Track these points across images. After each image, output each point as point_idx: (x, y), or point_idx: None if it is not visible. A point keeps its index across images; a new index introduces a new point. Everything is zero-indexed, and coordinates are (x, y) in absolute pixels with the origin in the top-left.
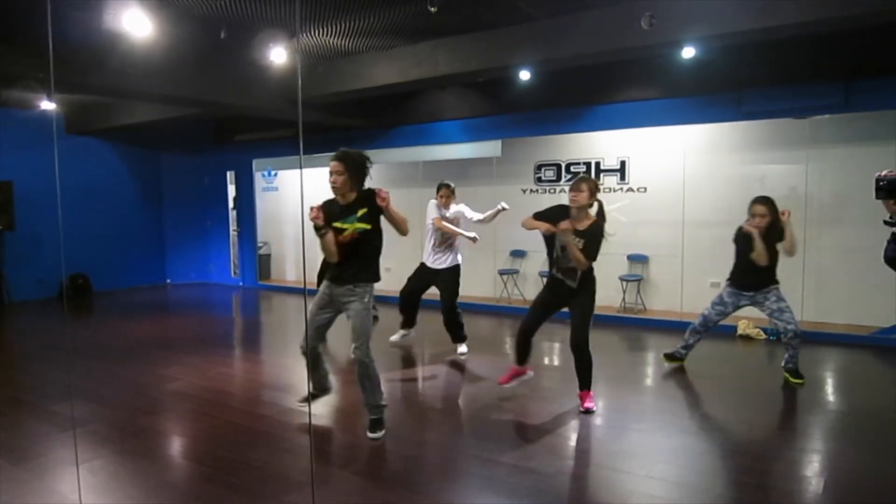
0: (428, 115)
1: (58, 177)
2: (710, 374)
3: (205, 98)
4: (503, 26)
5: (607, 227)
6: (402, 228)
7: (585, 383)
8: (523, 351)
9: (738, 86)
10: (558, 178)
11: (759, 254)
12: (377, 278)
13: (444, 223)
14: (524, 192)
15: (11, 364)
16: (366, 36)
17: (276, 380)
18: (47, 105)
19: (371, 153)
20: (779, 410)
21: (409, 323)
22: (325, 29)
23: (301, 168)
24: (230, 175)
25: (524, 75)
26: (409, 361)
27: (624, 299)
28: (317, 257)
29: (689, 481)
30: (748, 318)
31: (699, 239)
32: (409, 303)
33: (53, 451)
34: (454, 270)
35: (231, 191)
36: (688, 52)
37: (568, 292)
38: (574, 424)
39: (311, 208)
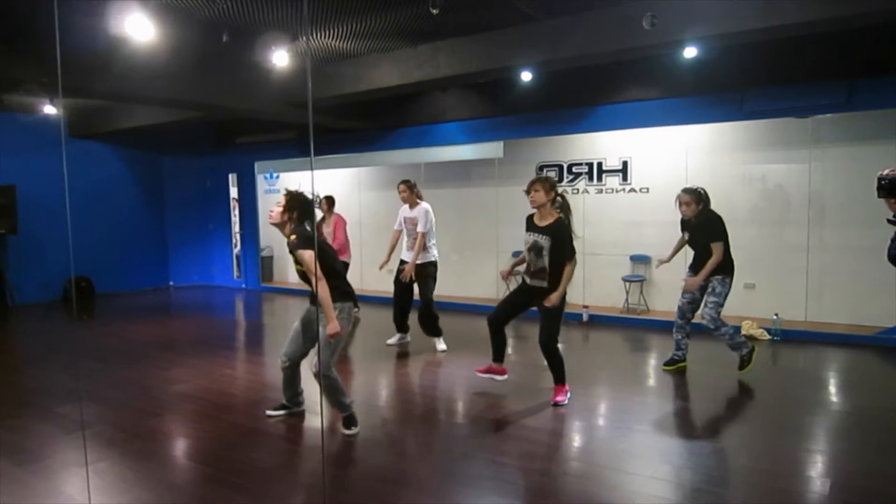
0: (429, 116)
1: (66, 180)
2: (712, 374)
3: (207, 101)
4: (504, 28)
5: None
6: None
7: (559, 378)
8: (497, 345)
9: (740, 85)
10: (560, 179)
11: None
12: (342, 297)
13: (422, 240)
14: (527, 193)
15: (16, 367)
16: (367, 38)
17: (279, 382)
18: (50, 109)
19: (373, 155)
20: (783, 411)
21: (402, 328)
22: (327, 31)
23: (312, 169)
24: (232, 177)
25: (525, 76)
26: (402, 361)
27: (627, 300)
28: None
29: (693, 482)
30: (752, 319)
31: None
32: (399, 307)
33: (59, 452)
34: (424, 266)
35: (233, 193)
36: (689, 52)
37: (536, 294)
38: (578, 425)
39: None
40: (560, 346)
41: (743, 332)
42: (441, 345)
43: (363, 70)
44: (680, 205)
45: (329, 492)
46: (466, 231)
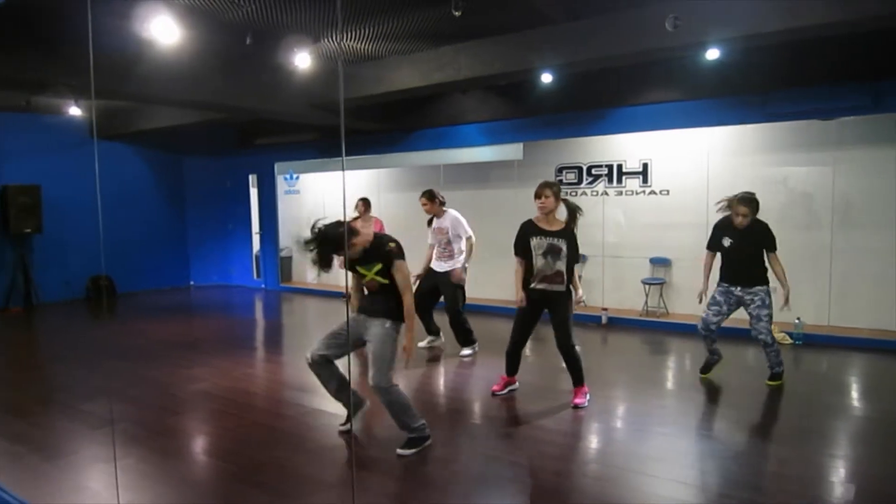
0: (449, 118)
1: (98, 181)
2: (734, 378)
3: (230, 103)
4: (525, 29)
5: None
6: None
7: (578, 380)
8: (513, 363)
9: (762, 87)
10: (579, 181)
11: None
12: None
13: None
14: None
15: (41, 364)
16: (389, 40)
17: (298, 381)
18: (75, 110)
19: (392, 157)
20: (805, 415)
21: (431, 330)
22: (349, 33)
23: (343, 170)
24: (252, 178)
25: (546, 78)
26: (427, 364)
27: (646, 302)
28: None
29: (714, 486)
30: (773, 323)
31: None
32: (420, 310)
33: (85, 448)
34: (454, 274)
35: (253, 194)
36: (712, 54)
37: (552, 297)
38: (596, 427)
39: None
40: (577, 347)
41: None
42: (466, 350)
43: (384, 72)
44: (736, 215)
45: (350, 492)
46: (485, 233)
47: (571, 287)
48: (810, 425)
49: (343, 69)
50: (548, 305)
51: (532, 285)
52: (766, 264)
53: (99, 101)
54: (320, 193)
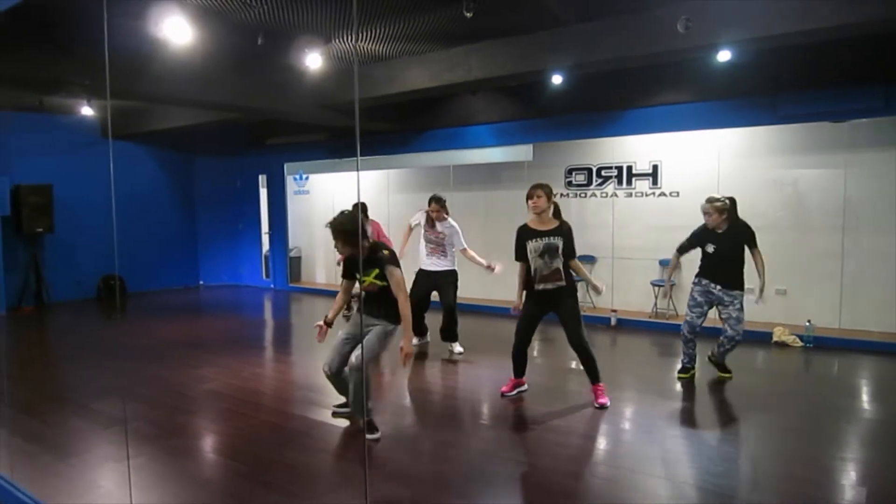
0: (459, 119)
1: (112, 181)
2: (744, 381)
3: (241, 103)
4: (537, 31)
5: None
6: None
7: (594, 377)
8: (520, 364)
9: (774, 89)
10: (589, 183)
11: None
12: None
13: (470, 252)
14: (555, 195)
15: (53, 363)
16: (399, 41)
17: (307, 381)
18: (87, 110)
19: (402, 157)
20: (815, 418)
21: (421, 331)
22: (360, 34)
23: (358, 170)
24: (262, 178)
25: (556, 79)
26: (423, 363)
27: (655, 304)
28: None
29: (724, 489)
30: (783, 325)
31: None
32: (416, 311)
33: (97, 447)
34: (448, 274)
35: (263, 194)
36: (723, 56)
37: (555, 296)
38: (604, 429)
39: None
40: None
41: (774, 338)
42: (458, 347)
43: (394, 72)
44: (706, 216)
45: (360, 491)
46: (494, 234)
47: (584, 281)
48: (821, 428)
49: (357, 70)
50: (553, 305)
51: (535, 287)
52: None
53: (112, 101)
54: (330, 194)
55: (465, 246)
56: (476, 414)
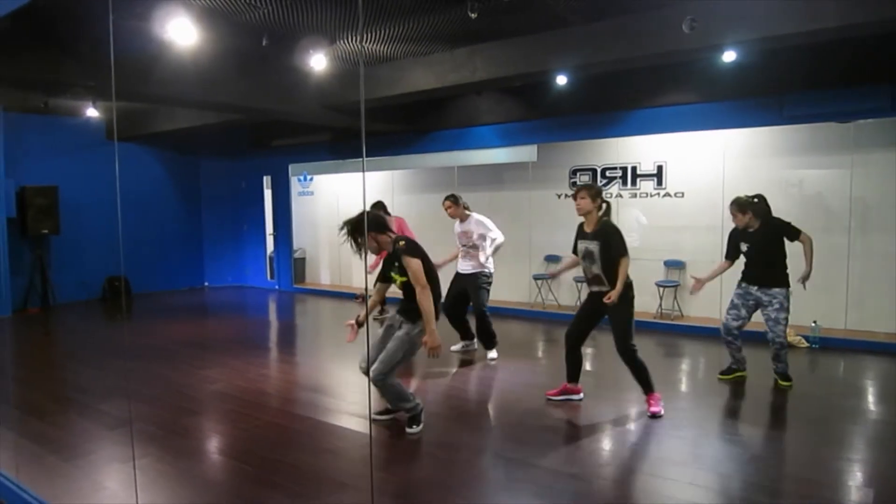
0: (464, 119)
1: (118, 183)
2: (750, 382)
3: (246, 104)
4: (541, 32)
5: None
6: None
7: (646, 387)
8: (572, 364)
9: (779, 90)
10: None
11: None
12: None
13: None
14: (559, 196)
15: (59, 364)
16: (404, 42)
17: (313, 382)
18: (92, 112)
19: (406, 158)
20: (823, 419)
21: (465, 335)
22: (364, 35)
23: (364, 171)
24: (266, 180)
25: (561, 80)
26: (446, 368)
27: (661, 305)
28: (350, 261)
29: (731, 489)
30: (790, 326)
31: None
32: (451, 315)
33: (103, 448)
34: (476, 276)
35: (267, 195)
36: (729, 56)
37: (600, 301)
38: (612, 430)
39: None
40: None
41: None
42: (492, 353)
43: (399, 73)
44: (733, 217)
45: (366, 492)
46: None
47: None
48: (828, 429)
49: (363, 71)
50: (603, 309)
51: (589, 287)
52: (786, 263)
53: (117, 102)
54: (334, 195)
55: (499, 234)
56: (486, 417)
